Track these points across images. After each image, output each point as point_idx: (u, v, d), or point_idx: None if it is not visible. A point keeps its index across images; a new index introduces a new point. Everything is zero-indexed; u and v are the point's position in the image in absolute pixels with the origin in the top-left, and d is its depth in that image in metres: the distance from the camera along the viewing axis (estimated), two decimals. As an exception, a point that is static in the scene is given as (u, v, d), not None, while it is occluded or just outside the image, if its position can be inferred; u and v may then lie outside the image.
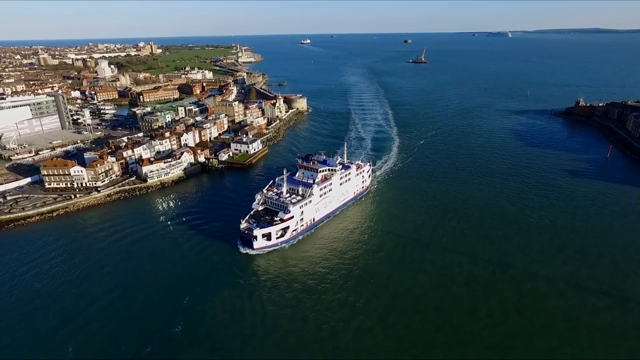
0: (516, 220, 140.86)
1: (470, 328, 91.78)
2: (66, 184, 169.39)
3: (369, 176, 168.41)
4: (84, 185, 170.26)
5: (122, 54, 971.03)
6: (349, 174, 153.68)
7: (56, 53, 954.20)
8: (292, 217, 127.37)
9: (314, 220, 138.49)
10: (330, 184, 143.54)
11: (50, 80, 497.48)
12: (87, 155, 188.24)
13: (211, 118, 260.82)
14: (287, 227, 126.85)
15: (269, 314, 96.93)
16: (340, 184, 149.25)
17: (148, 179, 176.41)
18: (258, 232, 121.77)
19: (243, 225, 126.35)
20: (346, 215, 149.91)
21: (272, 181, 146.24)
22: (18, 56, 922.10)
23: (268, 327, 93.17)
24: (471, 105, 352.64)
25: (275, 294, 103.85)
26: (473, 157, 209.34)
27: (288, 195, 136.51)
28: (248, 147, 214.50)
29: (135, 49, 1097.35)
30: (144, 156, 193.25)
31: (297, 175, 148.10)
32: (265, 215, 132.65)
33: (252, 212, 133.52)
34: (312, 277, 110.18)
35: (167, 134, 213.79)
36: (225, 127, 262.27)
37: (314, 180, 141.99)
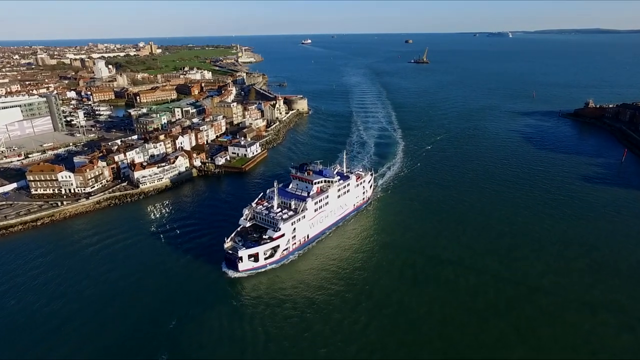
0: (529, 229, 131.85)
1: (481, 357, 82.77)
2: (53, 190, 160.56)
3: (371, 186, 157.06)
4: (72, 191, 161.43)
5: (122, 54, 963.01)
6: (348, 185, 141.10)
7: (55, 53, 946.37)
8: (283, 235, 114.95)
9: (308, 237, 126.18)
10: (327, 196, 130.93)
11: (46, 80, 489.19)
12: (76, 159, 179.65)
13: (208, 120, 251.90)
14: (277, 247, 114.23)
15: (259, 340, 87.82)
16: (338, 196, 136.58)
17: (140, 185, 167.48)
18: (244, 253, 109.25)
19: (227, 244, 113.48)
20: (345, 230, 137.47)
21: (262, 193, 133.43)
22: (17, 56, 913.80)
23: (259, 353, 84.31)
24: (476, 107, 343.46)
25: (267, 317, 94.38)
26: (481, 162, 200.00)
27: (279, 210, 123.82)
28: (246, 150, 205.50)
29: (135, 49, 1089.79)
30: (137, 160, 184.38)
31: (290, 187, 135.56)
32: (254, 232, 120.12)
33: (238, 229, 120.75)
34: (304, 301, 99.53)
35: (162, 137, 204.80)
36: (223, 129, 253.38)
37: (308, 193, 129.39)
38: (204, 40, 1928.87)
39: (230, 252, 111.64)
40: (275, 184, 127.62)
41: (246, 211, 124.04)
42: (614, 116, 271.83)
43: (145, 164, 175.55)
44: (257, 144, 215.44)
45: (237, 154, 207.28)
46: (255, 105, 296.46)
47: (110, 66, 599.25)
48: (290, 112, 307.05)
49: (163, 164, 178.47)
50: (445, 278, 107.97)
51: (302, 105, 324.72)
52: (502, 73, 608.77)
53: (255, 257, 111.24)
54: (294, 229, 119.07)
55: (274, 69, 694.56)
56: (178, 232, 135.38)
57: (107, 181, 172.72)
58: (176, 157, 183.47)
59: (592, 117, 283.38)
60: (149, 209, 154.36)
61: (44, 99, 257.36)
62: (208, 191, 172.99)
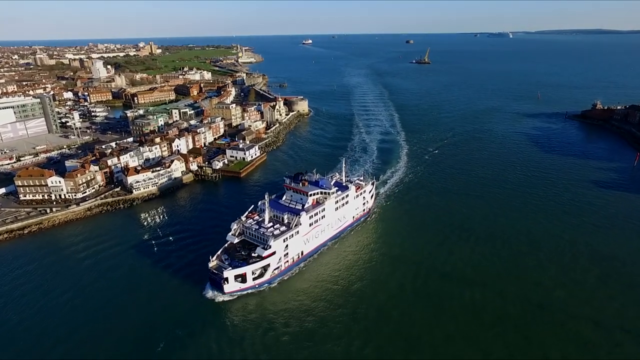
0: (546, 242, 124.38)
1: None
2: (43, 196, 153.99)
3: (372, 196, 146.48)
4: (62, 197, 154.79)
5: (121, 54, 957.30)
6: (347, 196, 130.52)
7: (54, 53, 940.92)
8: (274, 253, 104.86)
9: (302, 254, 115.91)
10: (323, 209, 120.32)
11: (43, 80, 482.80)
12: (68, 163, 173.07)
13: (206, 122, 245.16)
14: (268, 266, 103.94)
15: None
16: (336, 208, 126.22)
17: (134, 190, 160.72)
18: (230, 273, 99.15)
19: (212, 263, 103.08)
20: (343, 244, 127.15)
21: (252, 206, 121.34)
22: (16, 56, 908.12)
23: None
24: (480, 108, 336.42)
25: (257, 341, 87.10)
26: (489, 166, 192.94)
27: (270, 224, 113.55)
28: (245, 153, 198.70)
29: (134, 50, 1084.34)
30: (131, 164, 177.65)
31: (284, 199, 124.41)
32: (242, 249, 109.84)
33: (226, 245, 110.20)
34: (296, 323, 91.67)
35: (158, 140, 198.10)
36: (222, 131, 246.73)
37: (303, 206, 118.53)
38: (205, 41, 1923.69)
39: (215, 271, 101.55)
40: (266, 196, 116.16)
41: (234, 225, 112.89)
42: (623, 118, 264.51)
43: (139, 168, 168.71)
44: (256, 147, 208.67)
45: (235, 157, 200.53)
46: (255, 106, 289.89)
47: (109, 66, 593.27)
48: (291, 114, 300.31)
49: (158, 169, 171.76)
50: (450, 293, 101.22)
51: (302, 106, 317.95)
52: (505, 74, 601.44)
53: (242, 278, 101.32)
54: (286, 246, 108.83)
55: (274, 69, 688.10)
56: (171, 239, 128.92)
57: (99, 186, 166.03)
58: (172, 161, 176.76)
59: (600, 119, 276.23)
60: (142, 216, 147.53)
61: (38, 100, 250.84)
62: (204, 197, 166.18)
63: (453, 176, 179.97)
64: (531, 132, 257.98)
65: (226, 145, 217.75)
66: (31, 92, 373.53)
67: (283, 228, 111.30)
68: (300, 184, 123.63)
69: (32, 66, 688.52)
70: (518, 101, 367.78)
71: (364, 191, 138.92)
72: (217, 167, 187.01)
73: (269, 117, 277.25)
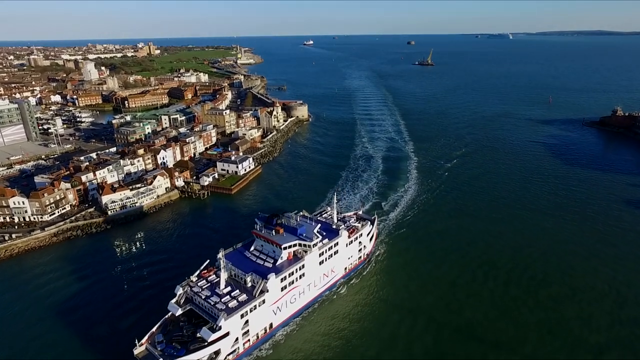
0: (572, 273, 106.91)
1: None
2: (4, 219, 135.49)
3: (372, 238, 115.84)
4: (26, 220, 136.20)
5: (119, 55, 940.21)
6: (336, 244, 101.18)
7: (51, 54, 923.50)
8: (227, 334, 76.66)
9: (271, 327, 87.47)
10: (302, 266, 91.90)
11: (33, 82, 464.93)
12: (37, 179, 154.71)
13: (198, 129, 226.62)
14: (218, 351, 76.41)
15: None
16: (321, 262, 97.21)
17: (109, 212, 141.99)
18: None
19: (138, 349, 75.71)
20: (330, 306, 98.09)
21: (208, 261, 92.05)
22: (12, 57, 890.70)
23: None
24: (489, 114, 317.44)
25: None
26: (509, 182, 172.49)
27: (228, 289, 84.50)
28: (237, 167, 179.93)
29: (133, 50, 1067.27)
30: (109, 180, 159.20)
31: (252, 249, 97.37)
32: (187, 324, 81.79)
33: (167, 317, 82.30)
34: None
35: (141, 152, 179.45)
36: (214, 139, 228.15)
37: (274, 262, 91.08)
38: (206, 41, 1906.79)
39: None
40: (221, 252, 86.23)
41: (180, 290, 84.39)
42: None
43: (116, 185, 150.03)
44: (250, 158, 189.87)
45: (227, 170, 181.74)
46: (251, 112, 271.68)
47: (103, 68, 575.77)
48: (289, 120, 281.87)
49: (138, 186, 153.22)
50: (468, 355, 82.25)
51: (302, 112, 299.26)
52: (511, 76, 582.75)
53: None
54: (246, 322, 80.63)
55: (273, 71, 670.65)
56: (145, 273, 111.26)
57: (72, 206, 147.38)
58: (154, 177, 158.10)
59: (621, 126, 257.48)
60: (116, 243, 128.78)
61: (16, 105, 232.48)
62: (190, 219, 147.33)
63: (471, 195, 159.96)
64: (548, 140, 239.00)
65: (218, 155, 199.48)
66: (18, 95, 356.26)
67: (243, 297, 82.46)
68: (274, 231, 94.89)
69: (25, 67, 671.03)
70: (528, 106, 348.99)
71: (360, 235, 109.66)
72: (206, 184, 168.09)
73: (265, 123, 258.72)
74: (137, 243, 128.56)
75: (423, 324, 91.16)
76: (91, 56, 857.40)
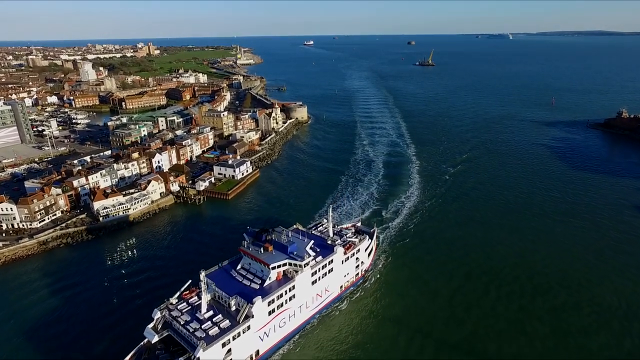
0: (586, 287, 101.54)
1: None
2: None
3: (370, 252, 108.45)
4: (14, 227, 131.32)
5: (118, 55, 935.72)
6: (331, 262, 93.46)
7: (50, 54, 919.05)
8: None
9: (257, 354, 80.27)
10: (293, 287, 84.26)
11: (30, 83, 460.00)
12: (28, 184, 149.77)
13: (194, 132, 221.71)
14: None
15: None
16: (314, 281, 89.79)
17: (100, 218, 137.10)
18: None
19: None
20: (323, 329, 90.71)
21: (189, 281, 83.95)
22: (10, 57, 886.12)
23: None
24: (492, 116, 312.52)
25: None
26: (516, 187, 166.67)
27: (210, 313, 77.15)
28: (234, 171, 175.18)
29: (132, 50, 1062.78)
30: (102, 185, 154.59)
31: (238, 267, 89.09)
32: (166, 350, 74.80)
33: (142, 343, 75.12)
34: None
35: (135, 155, 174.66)
36: (211, 142, 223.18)
37: (262, 282, 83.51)
38: (205, 41, 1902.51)
39: None
40: (202, 273, 77.40)
41: (157, 314, 76.31)
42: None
43: (109, 191, 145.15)
44: (248, 162, 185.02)
45: (224, 174, 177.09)
46: (249, 113, 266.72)
47: (102, 68, 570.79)
48: (288, 122, 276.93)
49: (131, 191, 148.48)
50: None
51: (301, 113, 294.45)
52: (512, 76, 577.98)
53: None
54: (228, 350, 72.94)
55: (273, 71, 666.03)
56: (135, 281, 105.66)
57: (63, 212, 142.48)
58: (148, 182, 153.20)
59: (627, 128, 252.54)
60: (107, 251, 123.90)
61: (9, 107, 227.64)
62: (185, 225, 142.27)
63: (477, 201, 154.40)
64: (552, 143, 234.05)
65: (215, 159, 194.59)
66: (14, 96, 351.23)
67: (226, 322, 74.92)
68: (262, 248, 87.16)
69: (23, 67, 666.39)
70: (531, 107, 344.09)
71: (358, 250, 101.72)
72: (201, 188, 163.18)
73: (264, 125, 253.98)
74: (128, 252, 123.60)
75: (432, 348, 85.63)
76: (90, 56, 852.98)
